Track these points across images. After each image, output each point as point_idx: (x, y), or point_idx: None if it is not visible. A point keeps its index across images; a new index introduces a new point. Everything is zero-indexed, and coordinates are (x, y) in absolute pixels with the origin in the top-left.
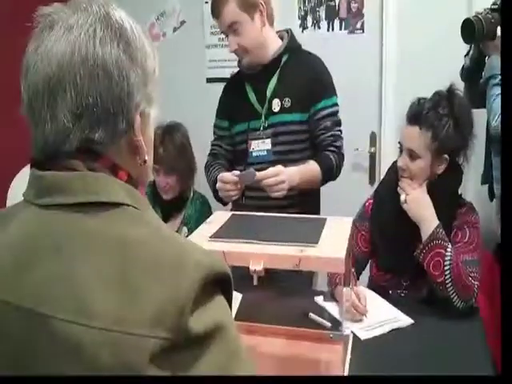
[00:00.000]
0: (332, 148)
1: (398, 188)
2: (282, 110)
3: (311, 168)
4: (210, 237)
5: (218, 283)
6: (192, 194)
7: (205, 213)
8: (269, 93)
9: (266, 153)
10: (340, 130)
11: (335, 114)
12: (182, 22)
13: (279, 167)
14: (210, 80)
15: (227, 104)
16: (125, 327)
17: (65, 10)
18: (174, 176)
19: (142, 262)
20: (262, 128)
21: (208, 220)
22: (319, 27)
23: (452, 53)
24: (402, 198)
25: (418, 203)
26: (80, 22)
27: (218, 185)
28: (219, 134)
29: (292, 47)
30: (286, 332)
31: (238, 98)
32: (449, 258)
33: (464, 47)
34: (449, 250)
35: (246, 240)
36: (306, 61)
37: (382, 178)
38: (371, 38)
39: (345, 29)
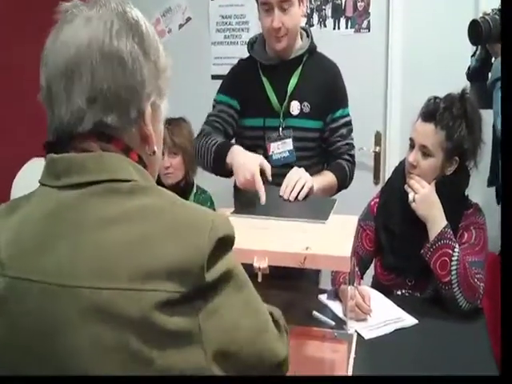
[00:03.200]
0: (347, 157)
1: (406, 186)
2: (301, 114)
3: (328, 178)
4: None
5: (229, 243)
6: (195, 190)
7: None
8: (289, 92)
9: (288, 154)
10: (353, 140)
11: (349, 123)
12: (188, 19)
13: (301, 170)
14: (214, 77)
15: (238, 87)
16: (142, 285)
17: (84, 6)
18: (177, 157)
19: (156, 226)
20: (281, 128)
21: None
22: (325, 25)
23: (458, 52)
24: (411, 196)
25: (427, 202)
26: (99, 15)
27: (246, 181)
28: (224, 109)
29: (312, 47)
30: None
31: (253, 89)
32: (456, 258)
33: (471, 46)
34: (456, 250)
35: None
36: (324, 66)
37: (386, 177)
38: (377, 36)
39: (351, 27)
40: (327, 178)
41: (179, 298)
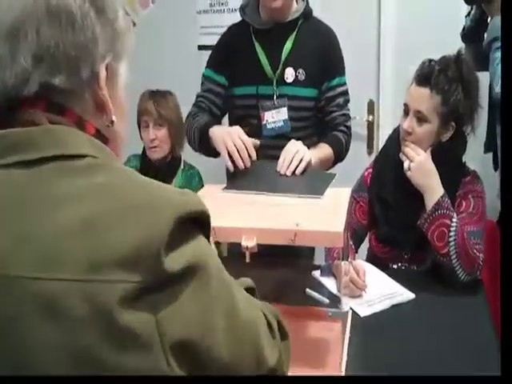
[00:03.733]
0: (343, 128)
1: (401, 154)
2: (296, 81)
3: (325, 152)
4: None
5: (195, 222)
6: (182, 166)
7: (196, 185)
8: (284, 57)
9: (282, 123)
10: (349, 110)
11: (346, 92)
12: None
13: (299, 143)
14: (201, 47)
15: (227, 57)
16: (94, 275)
17: None
18: (163, 129)
19: (110, 205)
20: (275, 96)
21: (199, 193)
22: None
23: (452, 13)
24: (406, 165)
25: (423, 171)
26: None
27: (234, 142)
28: (212, 88)
29: (308, 11)
30: (281, 310)
31: (244, 55)
32: (454, 228)
33: (465, 6)
34: (454, 220)
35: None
36: (320, 31)
37: (380, 147)
38: (369, 1)
39: None
40: (324, 151)
41: (134, 289)
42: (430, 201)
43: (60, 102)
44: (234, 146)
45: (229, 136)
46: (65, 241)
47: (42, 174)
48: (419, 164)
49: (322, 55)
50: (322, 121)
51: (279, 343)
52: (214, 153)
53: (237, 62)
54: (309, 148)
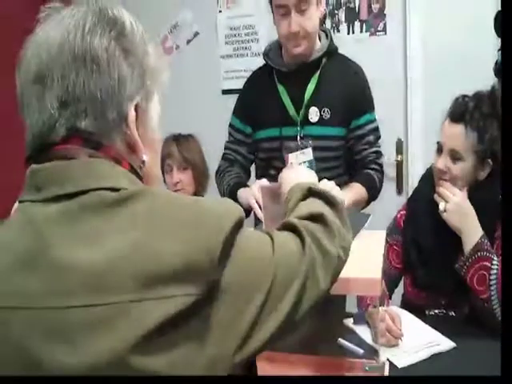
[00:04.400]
0: (375, 166)
1: (435, 195)
2: (321, 121)
3: (358, 191)
4: None
5: (238, 227)
6: None
7: None
8: (307, 98)
9: (308, 165)
10: (380, 147)
11: (377, 129)
12: (196, 34)
13: (331, 183)
14: (225, 92)
15: (252, 105)
16: (147, 293)
17: (62, 7)
18: (187, 172)
19: (157, 227)
20: (298, 137)
21: None
22: (338, 30)
23: (482, 49)
24: (442, 206)
25: (460, 212)
26: (73, 13)
27: (251, 194)
28: (237, 137)
29: (332, 49)
30: (313, 361)
31: (268, 99)
32: (495, 271)
33: (495, 42)
34: (495, 262)
35: None
36: (346, 68)
37: (410, 187)
38: (394, 39)
39: (366, 31)
40: (357, 190)
41: (191, 302)
42: (469, 243)
43: (98, 140)
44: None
45: (255, 187)
46: (116, 265)
47: (79, 208)
48: (455, 205)
49: (349, 93)
50: (353, 160)
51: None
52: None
53: (261, 106)
54: (340, 188)
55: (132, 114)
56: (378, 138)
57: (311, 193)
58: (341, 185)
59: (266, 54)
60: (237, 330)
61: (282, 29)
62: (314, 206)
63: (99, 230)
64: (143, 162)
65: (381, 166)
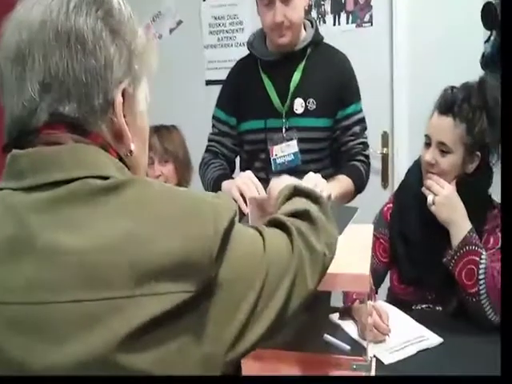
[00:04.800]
0: (361, 157)
1: (423, 188)
2: (306, 112)
3: (344, 184)
4: None
5: (233, 222)
6: None
7: None
8: (292, 89)
9: (292, 157)
10: (367, 137)
11: (363, 120)
12: (179, 22)
13: (317, 176)
14: (209, 82)
15: (236, 96)
16: (140, 289)
17: None
18: (169, 164)
19: (150, 217)
20: (284, 129)
21: None
22: (324, 21)
23: (468, 41)
24: (430, 199)
25: (448, 205)
26: None
27: (242, 183)
28: (221, 129)
29: (317, 39)
30: (298, 358)
31: (252, 89)
32: (484, 265)
33: (482, 33)
34: (483, 256)
35: None
36: (332, 58)
37: (396, 180)
38: (380, 30)
39: (352, 22)
40: (344, 183)
41: (186, 299)
42: (457, 237)
43: (80, 125)
44: (246, 187)
45: (240, 179)
46: (107, 256)
47: (68, 197)
48: (444, 198)
49: (335, 83)
50: (339, 151)
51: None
52: None
53: (245, 98)
54: (327, 181)
55: (119, 99)
56: (365, 129)
57: (296, 191)
58: (327, 177)
59: (250, 44)
60: (230, 328)
61: (267, 19)
62: (300, 203)
63: (87, 217)
64: (130, 151)
65: (367, 157)
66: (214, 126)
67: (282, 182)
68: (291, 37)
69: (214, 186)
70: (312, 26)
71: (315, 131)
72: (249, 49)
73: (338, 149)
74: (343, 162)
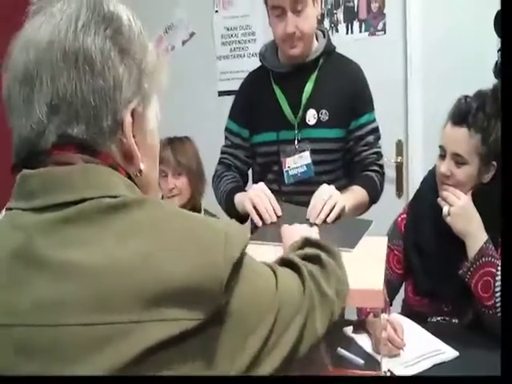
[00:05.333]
0: (375, 167)
1: (439, 199)
2: (319, 123)
3: (359, 195)
4: None
5: (244, 253)
6: (202, 214)
7: None
8: (304, 100)
9: (305, 168)
10: (380, 147)
11: (377, 129)
12: (192, 34)
13: (331, 188)
14: (221, 93)
15: (248, 107)
16: (149, 315)
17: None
18: (183, 177)
19: (162, 241)
20: (296, 141)
21: None
22: (337, 30)
23: (482, 50)
24: (445, 209)
25: (464, 215)
26: (64, 7)
27: (255, 195)
28: (234, 141)
29: (329, 49)
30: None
31: (264, 101)
32: (500, 277)
33: (496, 42)
34: (500, 268)
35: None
36: (344, 67)
37: (410, 189)
38: (394, 39)
39: (365, 31)
40: (358, 194)
41: (197, 326)
42: (473, 248)
43: (89, 146)
44: (259, 199)
45: (253, 192)
46: (117, 279)
47: (79, 217)
48: (459, 209)
49: (348, 93)
50: (352, 161)
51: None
52: (241, 219)
53: (257, 109)
54: (341, 192)
55: (128, 120)
56: (378, 138)
57: (308, 242)
58: (340, 188)
59: (261, 55)
60: (242, 358)
61: (278, 30)
62: (311, 250)
63: (96, 236)
64: (140, 170)
65: (381, 167)
66: (226, 138)
67: (293, 231)
68: (303, 48)
69: (227, 198)
70: (324, 36)
71: (328, 142)
72: (261, 60)
73: (352, 159)
74: (357, 172)
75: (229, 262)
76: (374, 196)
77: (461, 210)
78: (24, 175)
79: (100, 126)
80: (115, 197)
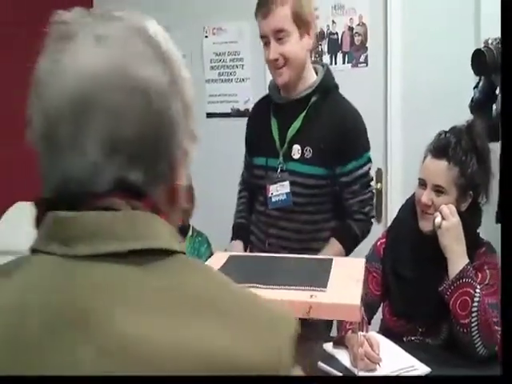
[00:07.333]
0: (359, 216)
1: (421, 222)
2: (302, 159)
3: (335, 250)
4: None
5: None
6: (190, 232)
7: (204, 252)
8: (290, 135)
9: (285, 196)
10: (371, 191)
11: (366, 174)
12: (182, 57)
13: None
14: (209, 115)
15: (251, 132)
16: None
17: (89, 17)
18: None
19: (218, 318)
20: (279, 170)
21: (207, 262)
22: (322, 61)
23: (460, 85)
24: (438, 221)
25: (454, 233)
26: (113, 32)
27: None
28: (244, 161)
29: (326, 86)
30: None
31: (262, 128)
32: (477, 299)
33: (472, 79)
34: (478, 290)
35: (248, 284)
36: (338, 110)
37: (389, 215)
38: (375, 71)
39: (348, 62)
40: (334, 250)
41: None
42: (456, 267)
43: (139, 189)
44: None
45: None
46: (164, 358)
47: (126, 271)
48: (452, 225)
49: (336, 137)
50: (340, 204)
51: None
52: None
53: (255, 135)
54: (328, 229)
55: (181, 162)
56: (366, 184)
57: None
58: (325, 222)
59: (270, 84)
60: None
61: (265, 56)
62: None
63: (153, 303)
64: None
65: (367, 214)
66: (245, 156)
67: None
68: (289, 76)
69: (232, 230)
70: (322, 73)
71: (309, 178)
72: (268, 90)
73: (340, 203)
74: (345, 215)
75: (287, 349)
76: (350, 247)
77: (452, 226)
78: (62, 217)
79: (155, 171)
80: (168, 250)
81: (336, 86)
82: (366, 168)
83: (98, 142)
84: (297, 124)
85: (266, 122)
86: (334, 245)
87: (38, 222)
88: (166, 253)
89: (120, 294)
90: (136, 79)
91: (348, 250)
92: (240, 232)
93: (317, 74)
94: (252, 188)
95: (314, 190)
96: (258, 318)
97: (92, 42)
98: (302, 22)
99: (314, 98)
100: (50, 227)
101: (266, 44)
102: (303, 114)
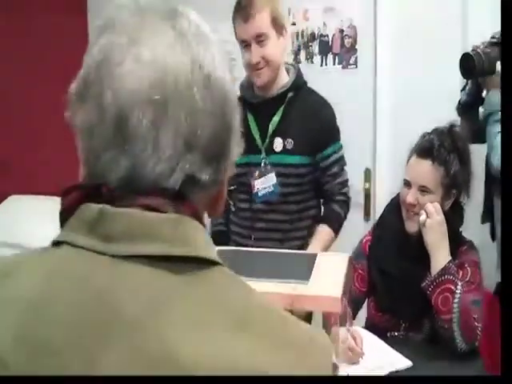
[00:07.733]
0: (340, 197)
1: (406, 220)
2: (284, 150)
3: (325, 236)
4: None
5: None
6: None
7: None
8: (271, 129)
9: (272, 188)
10: (346, 174)
11: (341, 158)
12: None
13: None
14: None
15: None
16: None
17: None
18: None
19: (264, 337)
20: (263, 164)
21: None
22: (312, 62)
23: (448, 87)
24: (422, 218)
25: (439, 231)
26: (189, 27)
27: None
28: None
29: (298, 84)
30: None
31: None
32: (458, 295)
33: (460, 81)
34: (459, 287)
35: None
36: (311, 103)
37: (377, 213)
38: (365, 72)
39: (338, 64)
40: (324, 236)
41: None
42: (438, 264)
43: (183, 192)
44: None
45: None
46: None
47: (170, 276)
48: (437, 223)
49: (313, 127)
50: (321, 189)
51: None
52: None
53: None
54: (308, 217)
55: (232, 166)
56: (342, 167)
57: None
58: (309, 210)
59: (241, 86)
60: None
61: (245, 60)
62: None
63: (200, 317)
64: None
65: (345, 194)
66: None
67: None
68: (268, 77)
69: (213, 240)
70: (295, 72)
71: (292, 167)
72: (240, 90)
73: (320, 187)
74: (325, 198)
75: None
76: (338, 228)
77: (437, 224)
78: (100, 210)
79: (217, 174)
80: (209, 260)
81: (305, 82)
82: (340, 152)
83: (178, 137)
84: (277, 118)
85: (243, 122)
86: (324, 229)
87: (67, 212)
88: (207, 262)
89: (164, 304)
90: (216, 80)
91: (336, 232)
92: (222, 238)
93: (288, 72)
94: (237, 188)
95: (297, 179)
96: (299, 338)
97: (172, 36)
98: (278, 26)
99: (290, 94)
100: (91, 220)
101: (246, 47)
102: (281, 110)
